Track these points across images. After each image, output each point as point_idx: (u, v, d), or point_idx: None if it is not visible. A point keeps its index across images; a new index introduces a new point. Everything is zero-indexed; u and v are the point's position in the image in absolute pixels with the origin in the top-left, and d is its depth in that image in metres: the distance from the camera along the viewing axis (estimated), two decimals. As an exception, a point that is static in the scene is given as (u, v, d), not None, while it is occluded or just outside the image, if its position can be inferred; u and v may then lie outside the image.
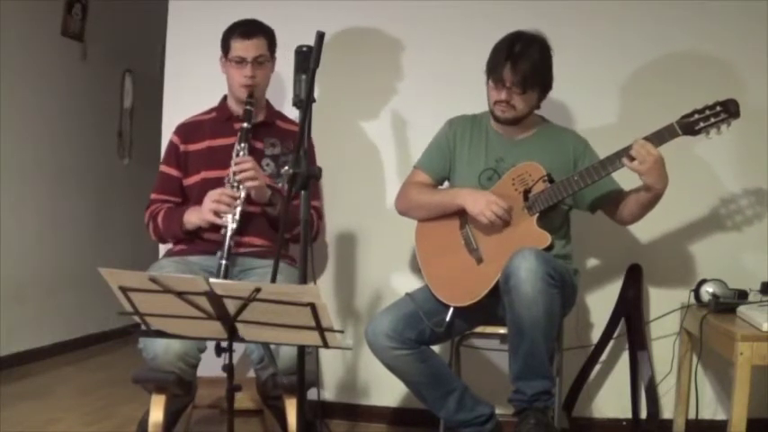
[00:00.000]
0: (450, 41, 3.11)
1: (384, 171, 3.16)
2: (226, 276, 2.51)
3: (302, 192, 2.05)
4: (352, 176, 3.18)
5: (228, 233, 2.54)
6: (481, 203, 2.47)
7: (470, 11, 3.08)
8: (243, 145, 2.61)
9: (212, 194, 2.58)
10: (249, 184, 2.57)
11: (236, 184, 2.59)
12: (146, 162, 4.70)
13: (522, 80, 2.45)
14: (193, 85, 3.19)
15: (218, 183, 2.63)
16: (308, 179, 2.05)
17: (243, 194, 2.59)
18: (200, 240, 2.67)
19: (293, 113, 2.67)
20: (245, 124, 2.63)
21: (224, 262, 2.52)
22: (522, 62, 2.44)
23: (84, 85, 4.62)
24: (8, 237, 4.00)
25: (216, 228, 2.60)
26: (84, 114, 4.64)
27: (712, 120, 2.36)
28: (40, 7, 4.19)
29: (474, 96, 2.68)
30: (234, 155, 2.61)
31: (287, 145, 2.76)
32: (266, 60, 2.71)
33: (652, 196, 2.42)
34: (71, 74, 4.51)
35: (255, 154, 2.67)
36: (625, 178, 2.54)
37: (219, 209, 2.56)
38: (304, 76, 2.10)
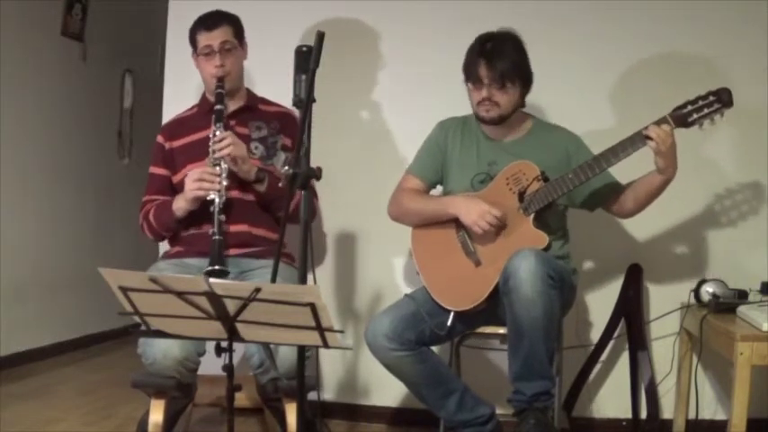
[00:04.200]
0: (446, 40, 3.09)
1: (384, 170, 3.14)
2: (220, 253, 2.50)
3: (302, 192, 2.05)
4: (352, 176, 3.17)
5: (217, 208, 2.53)
6: (474, 214, 2.45)
7: (467, 11, 3.08)
8: (219, 125, 2.60)
9: (192, 174, 2.58)
10: (227, 150, 2.54)
11: (217, 162, 2.57)
12: (146, 162, 4.61)
13: (500, 74, 2.45)
14: (193, 85, 3.18)
15: None
16: (308, 179, 2.05)
17: (224, 167, 2.56)
18: (197, 241, 2.65)
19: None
20: (218, 106, 2.63)
21: (217, 238, 2.51)
22: (496, 57, 2.45)
23: (84, 85, 4.61)
24: (8, 237, 4.00)
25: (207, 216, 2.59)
26: (84, 114, 4.63)
27: (705, 110, 2.33)
28: (40, 7, 4.18)
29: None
30: (211, 135, 2.60)
31: (273, 126, 2.77)
32: (233, 47, 2.70)
33: (663, 181, 2.39)
34: (71, 74, 4.50)
35: (242, 140, 2.65)
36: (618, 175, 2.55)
37: (202, 186, 2.55)
38: (304, 76, 2.10)
